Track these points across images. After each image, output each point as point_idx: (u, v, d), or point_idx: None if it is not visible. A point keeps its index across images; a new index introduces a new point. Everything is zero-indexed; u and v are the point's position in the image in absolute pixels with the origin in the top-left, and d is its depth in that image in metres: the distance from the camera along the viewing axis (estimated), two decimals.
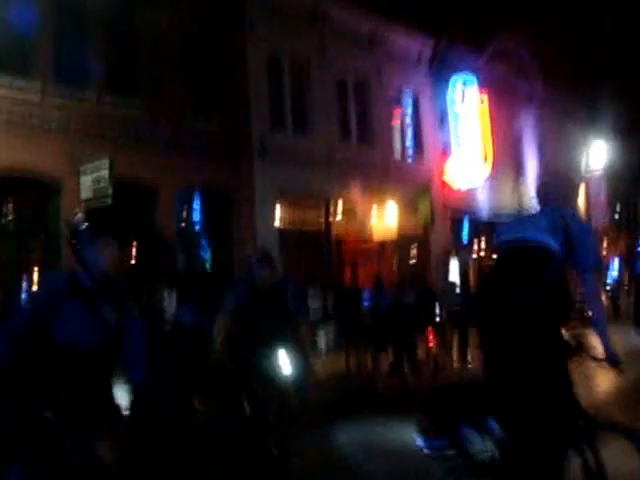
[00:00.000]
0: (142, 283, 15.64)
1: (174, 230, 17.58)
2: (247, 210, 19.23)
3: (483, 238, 27.86)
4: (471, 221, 27.31)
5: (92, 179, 14.96)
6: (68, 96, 16.00)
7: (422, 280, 21.96)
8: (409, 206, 23.66)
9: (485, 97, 27.26)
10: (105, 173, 14.77)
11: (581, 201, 34.79)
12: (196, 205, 18.40)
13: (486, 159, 26.78)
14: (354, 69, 23.27)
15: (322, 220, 21.47)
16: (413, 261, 25.13)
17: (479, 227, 27.70)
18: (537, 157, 32.44)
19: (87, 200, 15.06)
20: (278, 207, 20.02)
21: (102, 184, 14.76)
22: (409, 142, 25.46)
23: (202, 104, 18.66)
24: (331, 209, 21.53)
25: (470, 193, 27.01)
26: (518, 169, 30.93)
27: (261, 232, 19.21)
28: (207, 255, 18.70)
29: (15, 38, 15.07)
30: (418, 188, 24.38)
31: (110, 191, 14.75)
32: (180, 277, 16.67)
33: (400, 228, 23.06)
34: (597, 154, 34.11)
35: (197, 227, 18.61)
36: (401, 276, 21.56)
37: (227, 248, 18.97)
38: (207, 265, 18.64)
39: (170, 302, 15.55)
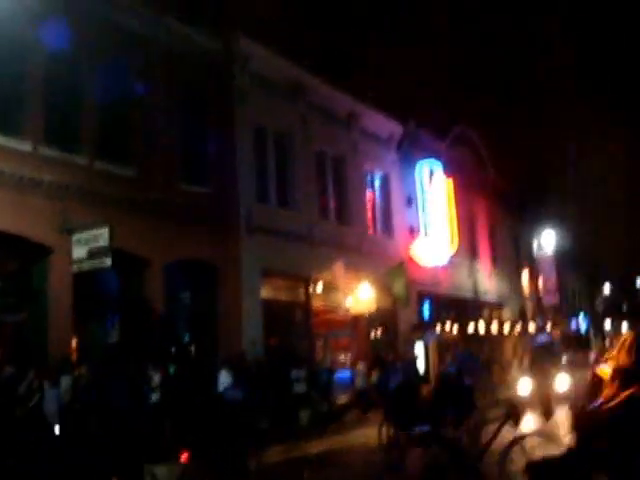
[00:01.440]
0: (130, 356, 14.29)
1: (163, 304, 16.06)
2: (233, 283, 17.84)
3: (445, 315, 27.18)
4: (434, 299, 26.57)
5: (88, 246, 13.48)
6: (60, 158, 14.59)
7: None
8: (381, 282, 22.75)
9: (451, 181, 26.97)
10: (103, 242, 13.34)
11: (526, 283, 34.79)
12: (184, 278, 16.99)
13: (452, 239, 26.29)
14: (333, 145, 22.50)
15: (303, 294, 20.30)
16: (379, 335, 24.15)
17: (441, 305, 27.07)
18: (489, 241, 32.32)
19: (79, 262, 13.65)
20: (262, 280, 18.74)
21: (99, 252, 13.31)
22: (380, 221, 24.75)
23: (193, 173, 17.46)
24: (311, 284, 20.42)
25: (433, 272, 26.38)
26: (473, 252, 30.58)
27: (246, 305, 17.85)
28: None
29: (8, 98, 13.75)
30: (391, 265, 23.56)
31: (109, 262, 13.35)
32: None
33: (373, 303, 22.16)
34: (547, 240, 34.45)
35: (185, 301, 17.19)
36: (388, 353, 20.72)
37: (212, 321, 17.52)
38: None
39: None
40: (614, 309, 46.22)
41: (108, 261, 13.44)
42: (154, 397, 14.15)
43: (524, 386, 20.87)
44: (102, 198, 14.84)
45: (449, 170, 27.11)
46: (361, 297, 21.67)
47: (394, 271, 22.95)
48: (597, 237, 37.97)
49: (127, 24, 15.98)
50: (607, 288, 45.78)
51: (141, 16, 16.34)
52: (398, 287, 22.87)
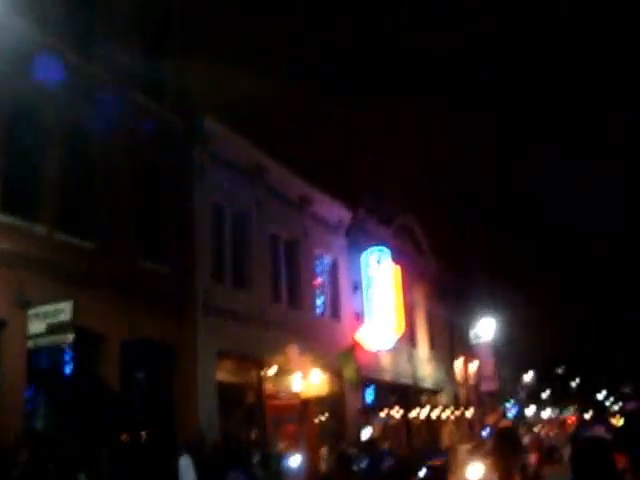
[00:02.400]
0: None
1: (118, 382, 14.77)
2: (189, 364, 16.69)
3: (388, 401, 26.40)
4: (377, 384, 25.77)
5: (47, 320, 12.30)
6: (18, 226, 13.43)
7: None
8: (331, 366, 21.93)
9: (398, 268, 26.67)
10: (65, 317, 12.19)
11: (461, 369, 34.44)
12: (141, 357, 15.77)
13: (397, 325, 25.77)
14: (285, 228, 21.92)
15: (256, 377, 19.20)
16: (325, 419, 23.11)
17: (384, 390, 26.29)
18: (426, 328, 32.00)
19: (36, 337, 12.42)
20: (217, 362, 17.63)
21: (60, 327, 12.14)
22: (329, 305, 24.08)
23: (152, 250, 16.52)
24: (264, 367, 19.37)
25: (376, 357, 25.74)
26: (412, 338, 30.12)
27: (202, 387, 16.68)
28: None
29: None
30: (339, 349, 22.82)
31: (71, 338, 12.19)
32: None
33: (323, 387, 21.33)
34: (485, 327, 34.39)
35: (141, 380, 15.91)
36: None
37: (169, 402, 16.25)
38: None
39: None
40: (536, 396, 46.48)
41: (70, 337, 12.30)
42: None
43: (475, 471, 20.38)
44: (60, 270, 13.70)
45: (395, 257, 26.83)
46: (312, 381, 20.83)
47: (344, 355, 22.21)
48: (528, 326, 38.32)
49: (92, 95, 15.28)
50: (530, 376, 45.95)
51: (107, 88, 15.66)
52: (349, 371, 22.08)
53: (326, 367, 21.55)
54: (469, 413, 30.13)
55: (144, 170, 16.73)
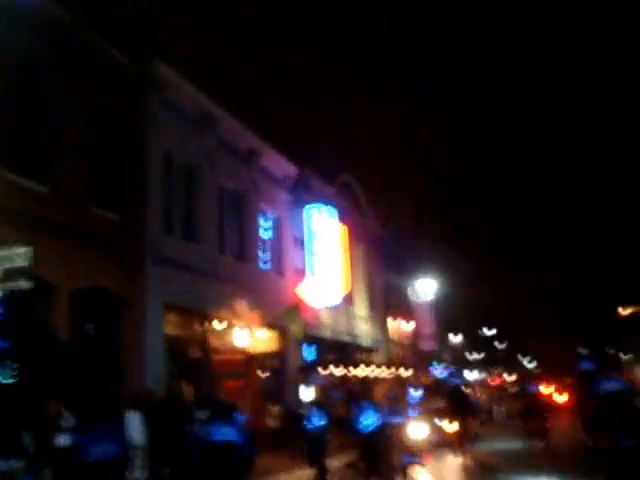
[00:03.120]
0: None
1: (69, 334, 14.31)
2: (138, 317, 16.29)
3: (328, 358, 26.53)
4: (318, 341, 25.86)
5: (2, 266, 11.74)
6: None
7: None
8: (275, 323, 21.87)
9: (343, 226, 26.68)
10: (22, 262, 11.64)
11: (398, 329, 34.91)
12: (89, 308, 15.30)
13: (343, 282, 25.84)
14: (234, 181, 21.51)
15: (203, 332, 18.97)
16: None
17: (324, 347, 26.39)
18: (365, 286, 32.21)
19: None
20: (166, 315, 17.31)
21: (17, 273, 11.59)
22: (273, 261, 23.91)
23: (103, 197, 15.93)
24: (212, 322, 19.14)
25: (316, 315, 25.80)
26: (351, 297, 30.28)
27: (150, 340, 16.35)
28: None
29: None
30: (283, 306, 22.79)
31: (28, 284, 11.69)
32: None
33: (270, 343, 21.28)
34: (425, 287, 34.70)
35: (89, 332, 15.45)
36: None
37: (116, 356, 15.85)
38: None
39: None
40: (464, 359, 47.57)
41: (27, 283, 11.78)
42: (63, 441, 12.46)
43: (420, 430, 20.65)
44: (10, 213, 13.11)
45: (339, 216, 26.81)
46: (257, 337, 20.75)
47: (290, 311, 22.13)
48: (462, 288, 38.96)
49: (46, 35, 14.50)
50: (458, 338, 46.89)
51: (61, 28, 14.89)
52: (295, 327, 22.06)
53: (271, 323, 21.48)
54: (405, 372, 30.55)
55: (97, 114, 16.05)
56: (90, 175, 15.64)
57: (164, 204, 17.91)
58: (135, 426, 14.26)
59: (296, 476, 16.22)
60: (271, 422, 21.29)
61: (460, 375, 41.49)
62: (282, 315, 22.03)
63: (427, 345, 34.71)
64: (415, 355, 34.45)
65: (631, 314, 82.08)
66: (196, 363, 18.74)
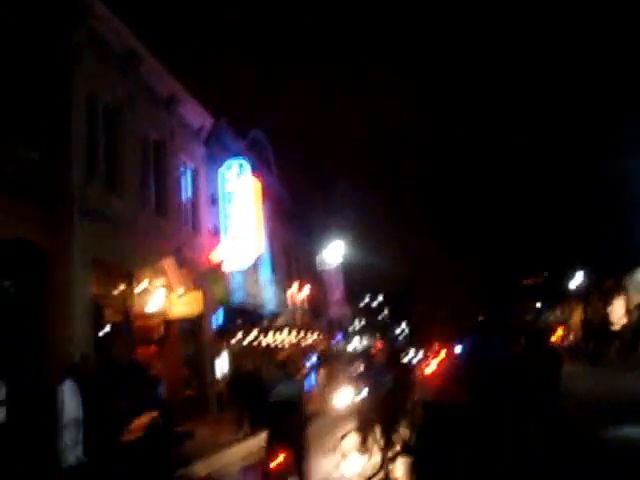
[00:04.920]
0: None
1: None
2: (63, 274, 14.32)
3: (239, 324, 25.26)
4: (227, 306, 24.47)
5: None
6: None
7: None
8: (195, 285, 20.32)
9: (258, 183, 25.27)
10: None
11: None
12: (7, 262, 13.22)
13: (257, 243, 24.49)
14: (155, 128, 19.65)
15: (126, 293, 17.17)
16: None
17: (234, 313, 25.04)
18: (269, 249, 31.01)
19: None
20: (92, 273, 15.42)
21: None
22: (190, 218, 22.23)
23: (21, 132, 13.80)
24: (134, 282, 17.42)
25: (228, 278, 24.40)
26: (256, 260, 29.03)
27: (77, 300, 14.47)
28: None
29: None
30: (202, 267, 21.31)
31: None
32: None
33: (186, 308, 19.72)
34: (334, 251, 33.80)
35: (8, 290, 13.40)
36: None
37: (40, 317, 13.89)
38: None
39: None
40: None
41: None
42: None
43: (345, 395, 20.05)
44: None
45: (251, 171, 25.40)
46: (178, 300, 19.22)
47: (213, 274, 20.64)
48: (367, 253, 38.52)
49: None
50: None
51: None
52: (219, 290, 20.60)
53: (192, 285, 19.97)
54: (309, 339, 29.88)
55: (18, 43, 13.87)
56: (7, 107, 13.49)
57: (87, 149, 15.88)
58: (69, 397, 12.59)
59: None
60: (189, 391, 20.01)
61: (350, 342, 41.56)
62: (205, 277, 20.54)
63: (337, 311, 34.02)
64: (321, 321, 33.75)
65: (531, 283, 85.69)
66: (117, 327, 17.00)
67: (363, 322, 48.62)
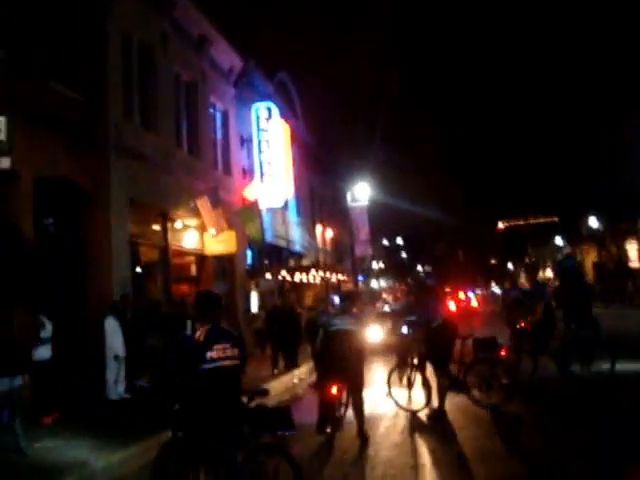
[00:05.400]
0: None
1: (31, 229, 11.94)
2: (102, 213, 13.92)
3: (269, 263, 24.96)
4: (264, 243, 23.98)
5: None
6: None
7: None
8: (228, 223, 19.91)
9: (288, 127, 24.67)
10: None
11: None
12: (51, 200, 12.84)
13: (287, 184, 24.05)
14: (187, 68, 19.02)
15: (163, 232, 16.85)
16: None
17: (264, 252, 24.70)
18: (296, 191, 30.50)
19: None
20: (130, 213, 15.04)
21: None
22: (221, 159, 21.74)
23: (63, 71, 13.26)
24: (169, 220, 17.08)
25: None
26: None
27: (115, 240, 14.11)
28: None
29: None
30: (234, 206, 20.93)
31: (7, 163, 9.36)
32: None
33: (230, 246, 19.37)
34: (359, 192, 33.28)
35: (49, 228, 13.08)
36: None
37: (80, 257, 13.59)
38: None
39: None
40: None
41: (6, 162, 9.49)
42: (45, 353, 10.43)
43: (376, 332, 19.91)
44: None
45: (280, 114, 24.77)
46: (211, 239, 18.86)
47: (247, 212, 20.21)
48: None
49: None
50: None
51: None
52: (253, 228, 20.18)
53: (225, 224, 19.57)
54: (334, 277, 29.60)
55: None
56: (48, 44, 12.96)
57: (123, 88, 15.38)
58: (110, 334, 12.41)
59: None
60: None
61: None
62: (240, 215, 20.15)
63: (363, 250, 33.66)
64: (346, 262, 33.43)
65: (505, 228, 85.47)
66: (154, 265, 16.75)
67: (381, 264, 48.25)
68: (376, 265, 47.37)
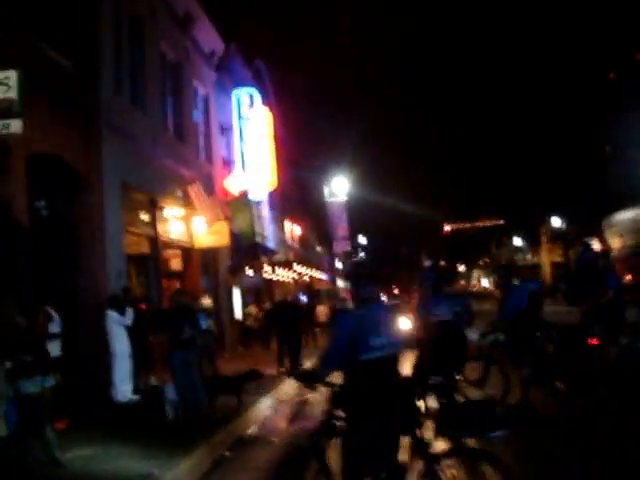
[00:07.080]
0: None
1: (25, 211, 10.52)
2: (95, 196, 12.57)
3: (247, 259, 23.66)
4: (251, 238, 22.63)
5: None
6: None
7: None
8: (217, 216, 18.63)
9: (269, 112, 23.46)
10: (7, 92, 7.99)
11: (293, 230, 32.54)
12: (41, 180, 11.39)
13: (271, 174, 22.83)
14: (172, 47, 17.72)
15: (152, 221, 15.50)
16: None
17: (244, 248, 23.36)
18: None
19: None
20: (123, 197, 13.67)
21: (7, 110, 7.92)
22: (204, 147, 20.40)
23: (55, 36, 11.86)
24: (158, 208, 15.76)
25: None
26: None
27: (109, 225, 12.76)
28: None
29: None
30: (219, 198, 19.65)
31: (18, 125, 8.04)
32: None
33: (206, 238, 18.11)
34: (339, 186, 32.10)
35: (41, 211, 11.65)
36: None
37: (73, 243, 12.21)
38: None
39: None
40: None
41: (17, 124, 8.16)
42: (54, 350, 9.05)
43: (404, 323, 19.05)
44: None
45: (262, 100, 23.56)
46: (205, 231, 17.57)
47: (237, 203, 18.95)
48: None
49: None
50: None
51: None
52: (242, 222, 18.93)
53: (218, 215, 18.35)
54: (304, 276, 28.49)
55: None
56: (40, 8, 11.58)
57: (114, 62, 14.00)
58: (117, 330, 11.12)
59: None
60: None
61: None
62: (230, 206, 18.87)
63: (342, 246, 32.52)
64: (321, 258, 32.32)
65: (451, 230, 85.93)
66: (145, 257, 15.39)
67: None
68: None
